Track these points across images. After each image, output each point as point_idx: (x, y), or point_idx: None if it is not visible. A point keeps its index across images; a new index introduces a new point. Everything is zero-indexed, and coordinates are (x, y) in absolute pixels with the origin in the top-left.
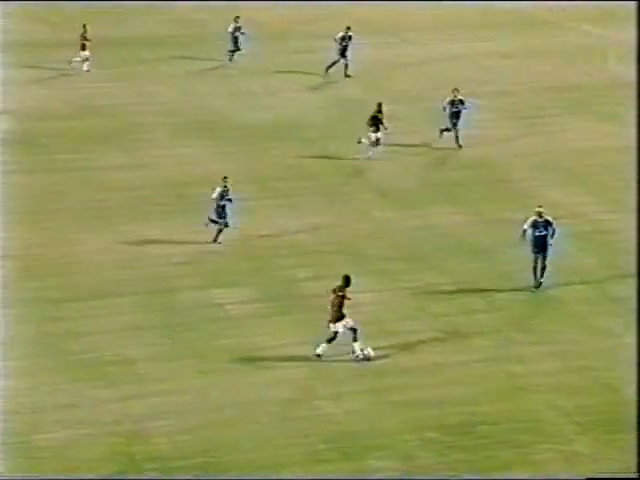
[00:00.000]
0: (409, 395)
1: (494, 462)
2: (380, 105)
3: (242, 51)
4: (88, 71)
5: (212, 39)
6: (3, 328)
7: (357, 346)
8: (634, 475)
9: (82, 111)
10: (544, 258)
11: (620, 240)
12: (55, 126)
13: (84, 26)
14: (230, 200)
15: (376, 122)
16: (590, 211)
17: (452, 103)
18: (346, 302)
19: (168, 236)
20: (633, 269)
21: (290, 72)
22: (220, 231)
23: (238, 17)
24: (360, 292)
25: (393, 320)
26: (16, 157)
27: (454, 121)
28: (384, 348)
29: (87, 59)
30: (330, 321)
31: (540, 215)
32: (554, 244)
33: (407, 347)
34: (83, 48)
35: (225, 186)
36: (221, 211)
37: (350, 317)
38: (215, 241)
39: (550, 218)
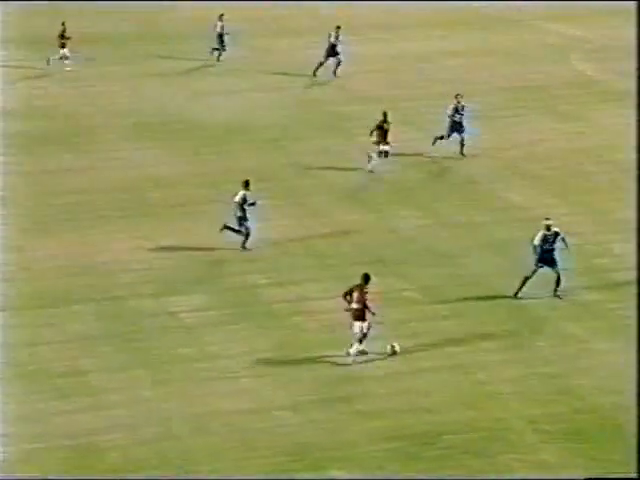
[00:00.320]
0: (372, 404)
1: (459, 472)
2: (385, 115)
3: (226, 51)
4: (70, 70)
5: (171, 38)
6: None
7: (356, 348)
8: (634, 475)
9: (31, 112)
10: (557, 270)
11: (588, 243)
12: (1, 127)
13: (63, 23)
14: (253, 204)
15: (382, 133)
16: (555, 214)
17: (456, 110)
18: (370, 299)
19: (120, 242)
20: (601, 274)
21: (249, 71)
22: (247, 237)
23: (222, 15)
24: (320, 298)
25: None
26: None
27: (458, 129)
28: (343, 356)
29: (67, 57)
30: (353, 319)
31: (548, 228)
32: (569, 254)
33: (368, 355)
34: (62, 46)
35: (247, 191)
36: (243, 215)
37: (369, 321)
38: (244, 248)
39: (558, 230)
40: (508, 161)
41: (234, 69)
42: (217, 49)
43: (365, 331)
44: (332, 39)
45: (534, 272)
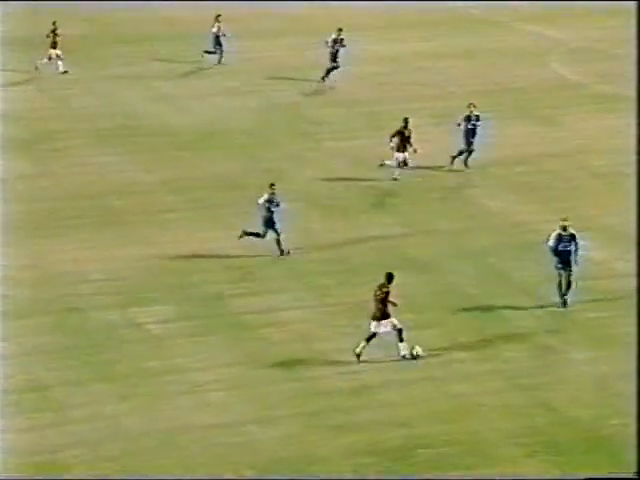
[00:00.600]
0: (343, 418)
1: None
2: (407, 120)
3: (223, 53)
4: (66, 72)
5: (138, 40)
6: None
7: (403, 346)
8: (634, 475)
9: None
10: (569, 274)
11: None
12: None
13: (54, 23)
14: (278, 205)
15: (402, 140)
16: (532, 220)
17: (468, 119)
18: (391, 299)
19: (84, 251)
20: (581, 282)
21: (219, 74)
22: (279, 242)
23: (219, 16)
24: (291, 308)
25: (324, 339)
26: None
27: (470, 139)
28: (315, 369)
29: (60, 58)
30: (372, 319)
31: (565, 228)
32: (579, 259)
33: (341, 367)
34: (54, 47)
35: (272, 193)
36: (269, 218)
37: (394, 317)
38: (282, 253)
39: (574, 231)
40: (486, 166)
41: (204, 72)
42: (212, 52)
43: (395, 327)
44: (330, 42)
45: (560, 275)
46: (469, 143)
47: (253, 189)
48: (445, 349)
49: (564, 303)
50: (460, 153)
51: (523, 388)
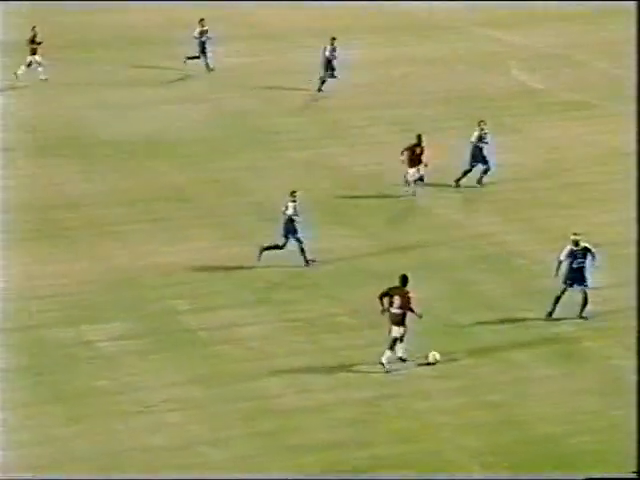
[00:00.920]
0: (302, 438)
1: None
2: (420, 137)
3: (209, 57)
4: (46, 79)
5: (87, 45)
6: None
7: (388, 355)
8: (634, 475)
9: None
10: (585, 291)
11: (532, 263)
12: None
13: (33, 28)
14: (297, 215)
15: (414, 155)
16: (497, 232)
17: (480, 138)
18: (413, 299)
19: (30, 266)
20: (544, 295)
21: (171, 81)
22: (303, 251)
23: (203, 20)
24: (247, 324)
25: (284, 355)
26: None
27: (477, 159)
28: (272, 387)
29: (40, 64)
30: (393, 324)
31: (577, 243)
32: (594, 272)
33: (299, 385)
34: (33, 52)
35: (294, 200)
36: (292, 227)
37: (406, 326)
38: (308, 262)
39: (589, 245)
40: (447, 177)
41: (154, 79)
42: (195, 57)
43: (399, 336)
44: (327, 53)
45: (563, 291)
46: (477, 162)
47: (205, 201)
48: (407, 365)
49: (584, 318)
50: (466, 172)
51: (488, 405)
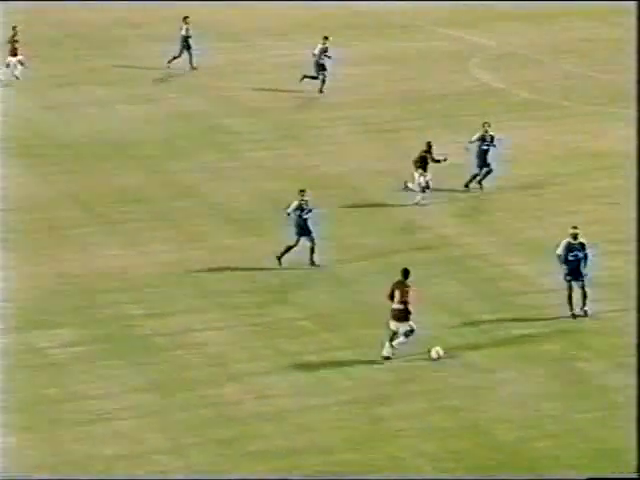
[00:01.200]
0: (259, 445)
1: None
2: (430, 145)
3: (194, 55)
4: (18, 78)
5: (33, 44)
6: None
7: (388, 346)
8: (634, 475)
9: None
10: (582, 284)
11: (492, 266)
12: None
13: (14, 28)
14: (310, 211)
15: (424, 163)
16: (457, 234)
17: (483, 139)
18: (413, 295)
19: None
20: (506, 297)
21: (122, 81)
22: (313, 250)
23: (187, 17)
24: (204, 329)
25: (241, 361)
26: None
27: (482, 161)
28: (230, 393)
29: (22, 64)
30: (393, 318)
31: (575, 237)
32: (588, 271)
33: (257, 391)
34: (14, 54)
35: (302, 199)
36: (303, 225)
37: (410, 324)
38: (314, 264)
39: (585, 240)
40: (406, 177)
41: (105, 79)
42: (176, 57)
43: (406, 332)
44: (316, 51)
45: (570, 288)
46: (482, 165)
47: (159, 203)
48: (366, 371)
49: (585, 314)
50: (474, 177)
51: (448, 410)
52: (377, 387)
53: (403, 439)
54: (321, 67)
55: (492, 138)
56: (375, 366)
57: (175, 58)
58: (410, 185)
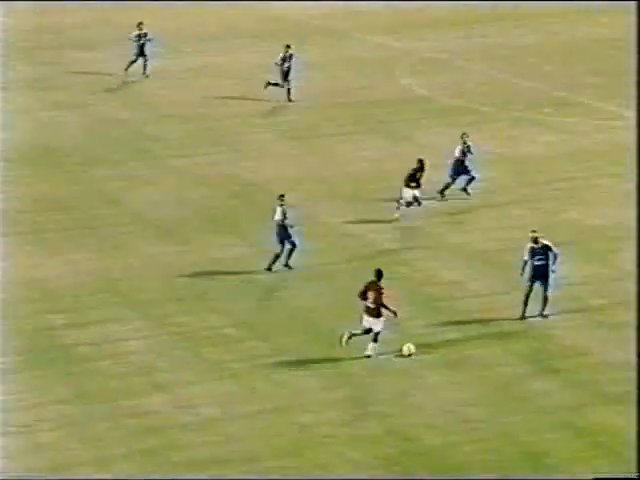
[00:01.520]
0: (184, 455)
1: None
2: (422, 162)
3: (148, 60)
4: None
5: None
6: None
7: (372, 347)
8: (634, 475)
9: None
10: (545, 288)
11: (416, 271)
12: None
13: None
14: (286, 219)
15: (415, 180)
16: (381, 240)
17: (463, 152)
18: (386, 296)
19: None
20: (431, 302)
21: (43, 88)
22: (291, 253)
23: (141, 23)
24: (129, 339)
25: (166, 370)
26: None
27: (464, 171)
28: (154, 403)
29: None
30: (366, 313)
31: (536, 241)
32: (556, 270)
33: (182, 400)
34: None
35: (282, 204)
36: (284, 232)
37: (384, 319)
38: (288, 266)
39: (548, 242)
40: (332, 184)
41: (26, 85)
42: (133, 61)
43: (378, 329)
44: (278, 61)
45: (529, 289)
46: (464, 172)
47: (82, 211)
48: (292, 378)
49: (543, 316)
50: (447, 186)
51: (375, 416)
52: (303, 394)
53: (330, 446)
54: (285, 75)
55: (469, 148)
56: (300, 373)
57: (132, 63)
58: (402, 202)
